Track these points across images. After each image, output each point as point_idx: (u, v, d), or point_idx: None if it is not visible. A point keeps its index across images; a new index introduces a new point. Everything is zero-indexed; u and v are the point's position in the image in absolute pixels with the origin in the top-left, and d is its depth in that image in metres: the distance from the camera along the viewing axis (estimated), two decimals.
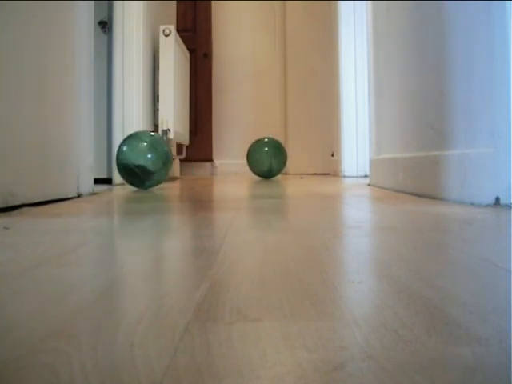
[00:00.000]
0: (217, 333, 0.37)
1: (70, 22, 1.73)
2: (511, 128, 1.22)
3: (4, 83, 1.30)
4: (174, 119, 2.95)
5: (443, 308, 0.42)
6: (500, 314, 0.41)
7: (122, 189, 2.36)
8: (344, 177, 3.47)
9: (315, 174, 4.34)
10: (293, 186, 2.58)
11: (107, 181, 2.75)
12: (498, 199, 1.26)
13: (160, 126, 2.93)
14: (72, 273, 0.58)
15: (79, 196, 1.76)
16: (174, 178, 3.62)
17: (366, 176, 3.31)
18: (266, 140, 3.34)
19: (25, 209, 1.30)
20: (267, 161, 3.25)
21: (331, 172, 4.00)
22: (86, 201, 1.63)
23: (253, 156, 3.30)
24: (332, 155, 3.99)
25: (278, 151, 3.29)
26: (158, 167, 2.12)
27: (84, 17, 1.85)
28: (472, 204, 1.33)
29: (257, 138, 3.44)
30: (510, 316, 0.40)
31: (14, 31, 1.34)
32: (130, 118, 2.74)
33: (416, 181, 1.75)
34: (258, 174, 3.34)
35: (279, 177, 3.80)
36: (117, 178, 2.74)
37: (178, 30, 3.38)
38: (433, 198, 1.58)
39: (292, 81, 4.55)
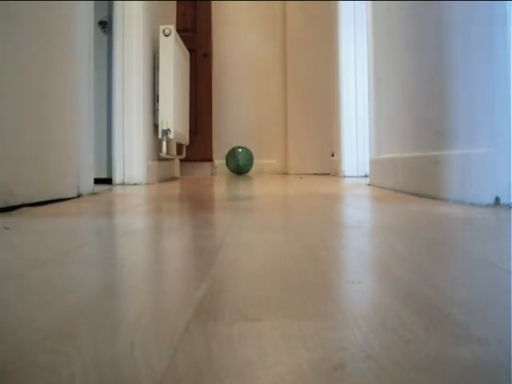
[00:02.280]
0: (217, 333, 0.37)
1: (70, 22, 1.73)
2: (511, 128, 1.22)
3: (3, 83, 1.30)
4: (174, 119, 2.95)
5: (443, 308, 0.42)
6: (500, 314, 0.41)
7: (121, 189, 2.36)
8: (344, 177, 3.47)
9: (315, 174, 4.34)
10: (293, 185, 2.58)
11: (107, 181, 2.75)
12: (497, 199, 1.26)
13: (160, 125, 2.93)
14: (72, 273, 0.58)
15: (79, 196, 1.76)
16: (173, 178, 3.62)
17: (365, 176, 3.31)
18: (240, 150, 4.44)
19: (25, 209, 1.30)
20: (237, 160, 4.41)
21: (331, 172, 4.00)
22: (86, 201, 1.63)
23: (229, 158, 4.47)
24: (332, 155, 3.99)
25: (247, 156, 4.42)
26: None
27: (84, 17, 1.85)
28: (472, 204, 1.33)
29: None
30: (510, 316, 0.40)
31: (12, 31, 1.34)
32: (130, 118, 2.74)
33: (416, 181, 1.76)
34: (232, 170, 4.43)
35: (279, 176, 3.79)
36: (117, 177, 2.74)
37: (178, 30, 3.38)
38: (433, 198, 1.58)
39: (292, 81, 4.55)
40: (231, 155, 4.39)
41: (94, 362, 0.32)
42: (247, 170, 4.43)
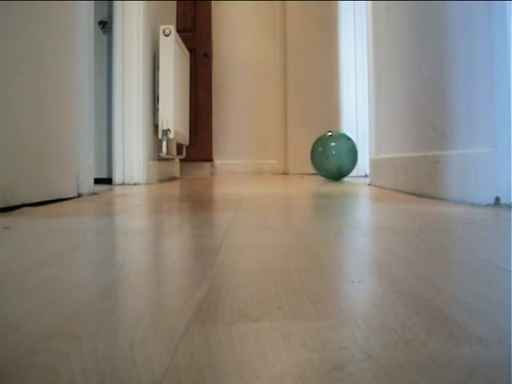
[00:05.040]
0: (217, 333, 0.37)
1: (70, 22, 1.73)
2: (511, 128, 1.22)
3: (3, 83, 1.30)
4: (174, 119, 2.95)
5: (443, 308, 0.42)
6: (500, 314, 0.41)
7: (122, 189, 2.36)
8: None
9: (315, 173, 4.34)
10: (293, 185, 2.58)
11: (107, 181, 2.75)
12: (497, 199, 1.26)
13: (160, 125, 2.93)
14: (72, 273, 0.58)
15: (79, 196, 1.76)
16: (173, 178, 3.62)
17: (366, 176, 3.31)
18: (333, 144, 2.91)
19: (25, 209, 1.30)
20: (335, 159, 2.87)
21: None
22: (86, 201, 1.63)
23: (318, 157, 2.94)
24: None
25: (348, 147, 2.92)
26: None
27: (84, 17, 1.85)
28: (472, 204, 1.33)
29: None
30: (510, 316, 0.40)
31: (13, 31, 1.34)
32: (130, 117, 2.74)
33: (416, 181, 1.75)
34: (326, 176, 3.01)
35: (279, 176, 3.79)
36: (117, 177, 2.74)
37: (178, 30, 3.38)
38: (433, 197, 1.58)
39: (292, 81, 4.55)
40: (323, 152, 2.91)
41: (93, 362, 0.32)
42: (348, 170, 2.96)
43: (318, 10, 4.43)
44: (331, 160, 2.87)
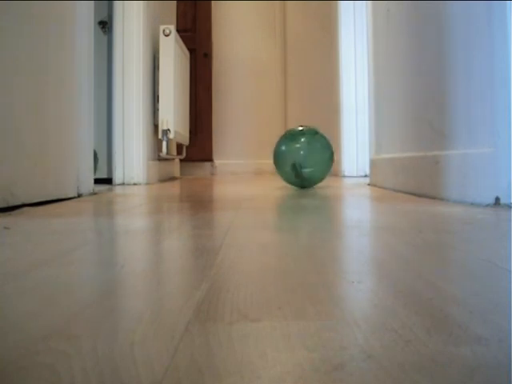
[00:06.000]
0: (217, 333, 0.37)
1: (70, 22, 1.73)
2: (511, 128, 1.22)
3: (3, 83, 1.30)
4: (174, 119, 2.95)
5: (443, 308, 0.42)
6: (500, 313, 0.41)
7: (122, 189, 2.36)
8: (344, 177, 3.47)
9: None
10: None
11: (107, 181, 2.75)
12: (497, 199, 1.26)
13: (160, 125, 2.93)
14: (72, 273, 0.58)
15: (79, 196, 1.76)
16: (173, 178, 3.62)
17: (366, 176, 3.31)
18: (303, 140, 2.26)
19: (25, 209, 1.30)
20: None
21: (331, 172, 4.00)
22: (86, 201, 1.63)
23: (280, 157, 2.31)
24: None
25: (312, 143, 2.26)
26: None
27: (84, 17, 1.85)
28: (472, 204, 1.33)
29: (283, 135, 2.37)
30: (510, 316, 0.40)
31: (13, 31, 1.34)
32: (130, 117, 2.74)
33: (416, 181, 1.75)
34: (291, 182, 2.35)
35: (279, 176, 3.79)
36: (117, 177, 2.74)
37: (178, 30, 3.38)
38: (433, 197, 1.58)
39: (292, 81, 4.55)
40: (286, 152, 2.27)
41: (93, 362, 0.32)
42: (318, 178, 2.34)
43: (318, 9, 4.43)
44: (296, 168, 2.23)
